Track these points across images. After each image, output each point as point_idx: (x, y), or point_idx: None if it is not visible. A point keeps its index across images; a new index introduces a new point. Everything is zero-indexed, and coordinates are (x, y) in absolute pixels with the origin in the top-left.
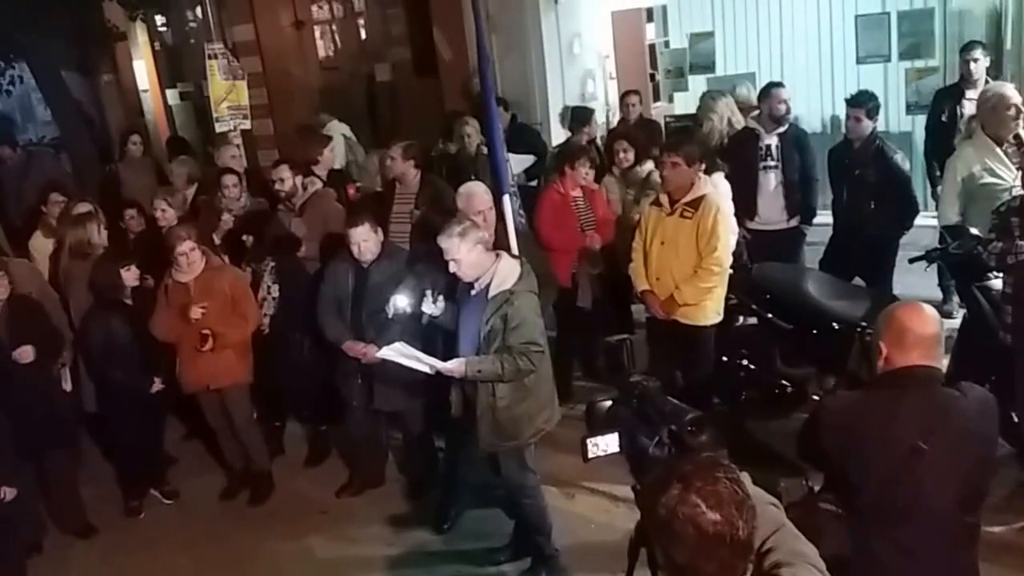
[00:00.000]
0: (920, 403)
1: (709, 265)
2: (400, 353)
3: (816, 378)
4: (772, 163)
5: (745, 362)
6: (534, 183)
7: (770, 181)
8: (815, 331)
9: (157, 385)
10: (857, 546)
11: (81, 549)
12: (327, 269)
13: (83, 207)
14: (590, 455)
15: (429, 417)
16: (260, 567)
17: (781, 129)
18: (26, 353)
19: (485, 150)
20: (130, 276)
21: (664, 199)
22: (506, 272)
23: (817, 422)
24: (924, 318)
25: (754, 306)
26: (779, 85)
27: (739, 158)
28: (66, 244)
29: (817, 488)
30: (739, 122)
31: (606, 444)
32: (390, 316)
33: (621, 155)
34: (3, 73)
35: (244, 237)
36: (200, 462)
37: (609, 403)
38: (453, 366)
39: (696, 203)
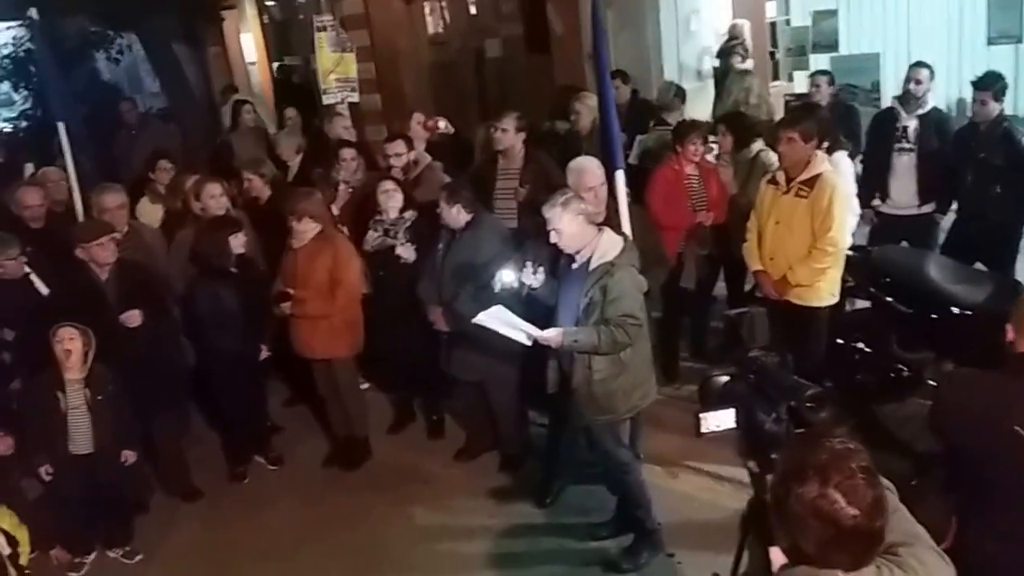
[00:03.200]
0: None
1: (824, 245)
2: (497, 318)
3: (933, 363)
4: (908, 145)
5: (861, 345)
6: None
7: (903, 164)
8: (934, 316)
9: (264, 353)
10: (957, 525)
11: (186, 511)
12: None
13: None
14: (703, 430)
15: (521, 391)
16: (363, 532)
17: (922, 111)
18: (134, 317)
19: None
20: (237, 243)
21: (780, 177)
22: (608, 245)
23: (937, 396)
24: None
25: (872, 289)
26: (919, 65)
27: (875, 138)
28: (185, 211)
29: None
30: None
31: (720, 419)
32: (496, 290)
33: (720, 138)
34: (112, 42)
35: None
36: (305, 429)
37: (725, 378)
38: (550, 335)
39: (812, 181)
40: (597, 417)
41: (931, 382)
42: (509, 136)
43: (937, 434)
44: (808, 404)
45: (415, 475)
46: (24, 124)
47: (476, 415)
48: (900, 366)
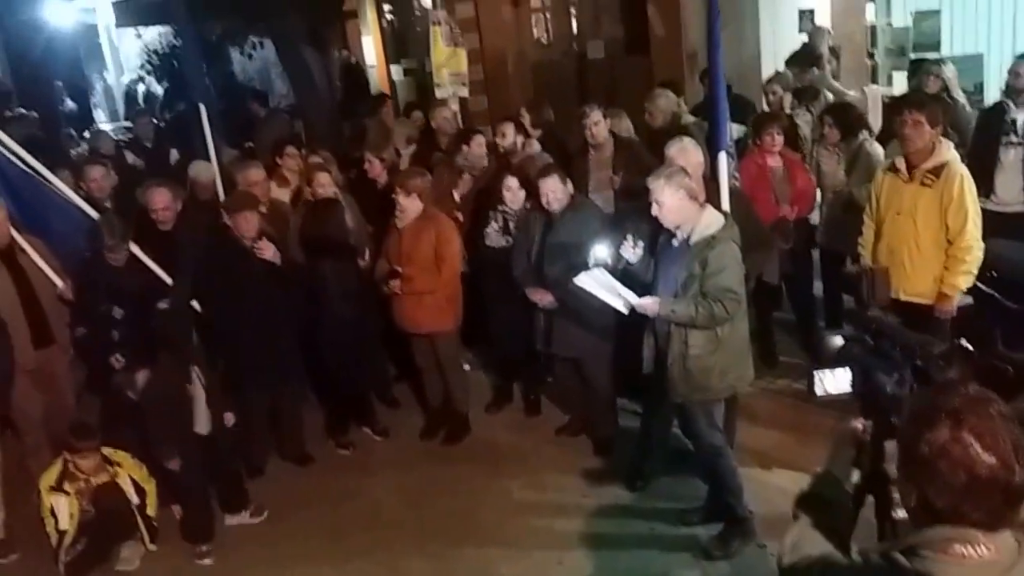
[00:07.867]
0: None
1: (966, 243)
2: (596, 281)
3: None
4: (1016, 140)
5: (963, 343)
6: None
7: (1011, 159)
8: None
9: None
10: None
11: (297, 474)
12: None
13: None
14: (818, 392)
15: (612, 373)
16: (461, 502)
17: None
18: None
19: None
20: (335, 224)
21: (901, 164)
22: (709, 221)
23: None
24: None
25: (978, 284)
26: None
27: (982, 132)
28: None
29: None
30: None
31: (836, 381)
32: (591, 265)
33: (827, 130)
34: (247, 41)
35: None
36: (409, 404)
37: (841, 339)
38: (647, 302)
39: (938, 170)
40: (692, 395)
41: None
42: (602, 127)
43: None
44: (939, 362)
45: (512, 452)
46: (168, 115)
47: (576, 394)
48: (1005, 365)
